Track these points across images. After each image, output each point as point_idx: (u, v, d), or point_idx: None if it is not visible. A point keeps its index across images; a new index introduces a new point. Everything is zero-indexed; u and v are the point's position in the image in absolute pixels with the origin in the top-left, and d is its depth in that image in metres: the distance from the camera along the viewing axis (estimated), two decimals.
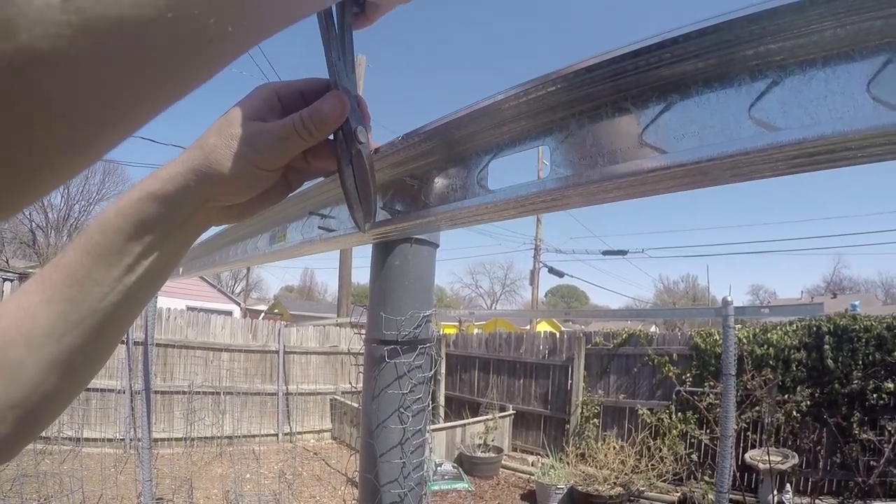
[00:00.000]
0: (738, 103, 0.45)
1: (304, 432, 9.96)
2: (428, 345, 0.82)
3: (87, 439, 7.38)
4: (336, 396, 10.28)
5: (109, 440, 7.66)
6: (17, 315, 0.47)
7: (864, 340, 6.23)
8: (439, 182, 0.67)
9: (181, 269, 2.34)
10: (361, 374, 0.88)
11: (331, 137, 0.57)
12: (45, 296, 0.48)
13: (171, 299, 19.28)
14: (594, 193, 0.57)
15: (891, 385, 5.92)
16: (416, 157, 0.67)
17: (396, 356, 0.79)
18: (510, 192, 0.59)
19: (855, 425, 6.15)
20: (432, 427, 7.84)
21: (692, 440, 7.36)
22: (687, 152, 0.48)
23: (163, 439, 8.06)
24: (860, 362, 6.22)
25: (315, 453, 9.01)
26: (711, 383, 7.31)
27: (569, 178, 0.57)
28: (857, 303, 8.36)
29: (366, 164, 0.56)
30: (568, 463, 7.51)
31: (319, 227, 0.87)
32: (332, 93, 0.53)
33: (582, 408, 8.73)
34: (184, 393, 8.42)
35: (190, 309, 9.31)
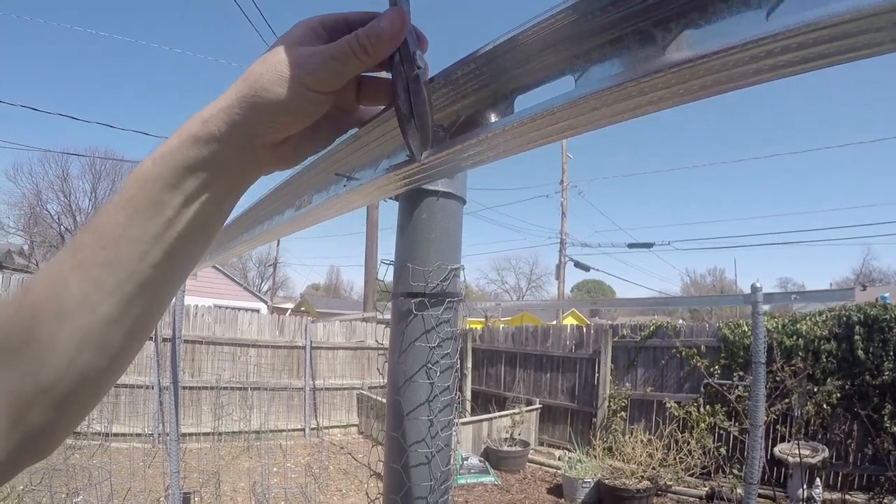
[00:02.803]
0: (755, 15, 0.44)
1: (331, 427, 10.02)
2: (456, 299, 0.80)
3: (115, 434, 7.54)
4: (363, 391, 10.34)
5: (138, 435, 7.80)
6: (45, 285, 0.42)
7: (895, 331, 6.05)
8: (465, 124, 0.66)
9: (208, 257, 2.36)
10: (387, 361, 0.86)
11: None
12: (77, 260, 0.43)
13: (199, 298, 19.54)
14: (625, 98, 0.55)
15: None
16: (445, 104, 0.66)
17: (424, 309, 0.77)
18: (540, 107, 0.57)
19: (886, 418, 5.98)
20: (459, 421, 7.83)
21: (721, 433, 7.25)
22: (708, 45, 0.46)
23: (191, 434, 8.17)
24: (892, 353, 6.05)
25: (341, 447, 9.06)
26: (740, 374, 7.18)
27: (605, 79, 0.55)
28: (887, 294, 8.09)
29: (424, 90, 0.53)
30: (595, 457, 7.43)
31: (344, 185, 0.85)
32: (391, 9, 0.50)
33: (609, 401, 8.65)
34: (211, 388, 8.52)
35: (217, 307, 9.41)
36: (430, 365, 0.77)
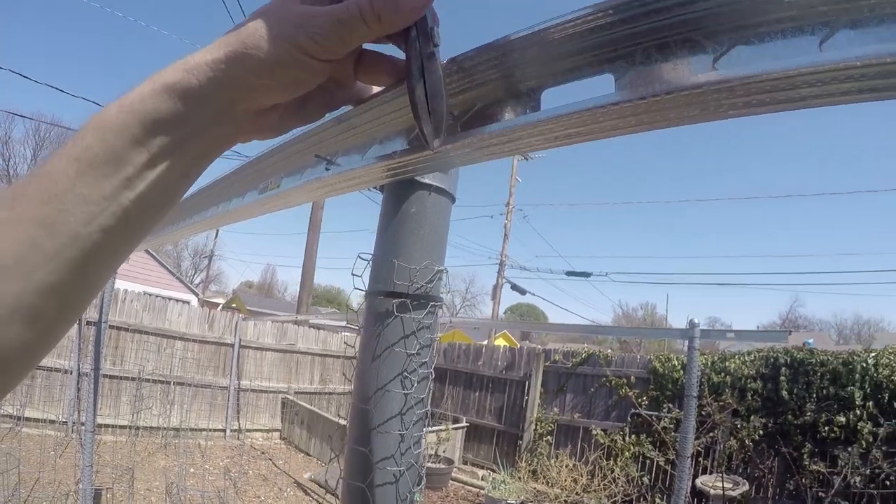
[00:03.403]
0: (809, 43, 0.46)
1: (253, 430, 9.66)
2: (438, 304, 0.74)
3: (28, 419, 6.97)
4: (288, 396, 10.04)
5: (52, 422, 7.24)
6: None
7: (819, 374, 6.38)
8: (481, 114, 0.60)
9: (150, 234, 2.21)
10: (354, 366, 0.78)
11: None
12: (14, 213, 0.36)
13: (128, 283, 18.54)
14: (659, 109, 0.53)
15: (843, 419, 6.04)
16: (458, 91, 0.60)
17: (405, 311, 0.70)
18: (575, 106, 0.53)
19: (806, 456, 6.25)
20: None
21: (645, 462, 7.40)
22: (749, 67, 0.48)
23: (107, 426, 7.66)
24: (814, 395, 6.35)
25: (262, 452, 8.73)
26: (668, 407, 7.38)
27: (635, 90, 0.53)
28: (811, 340, 8.56)
29: (439, 70, 0.47)
30: (519, 478, 7.45)
31: (327, 168, 0.78)
32: None
33: (536, 424, 8.72)
34: (133, 379, 8.03)
35: (147, 294, 8.93)
36: (406, 373, 0.70)
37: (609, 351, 9.14)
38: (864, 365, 6.10)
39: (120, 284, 7.26)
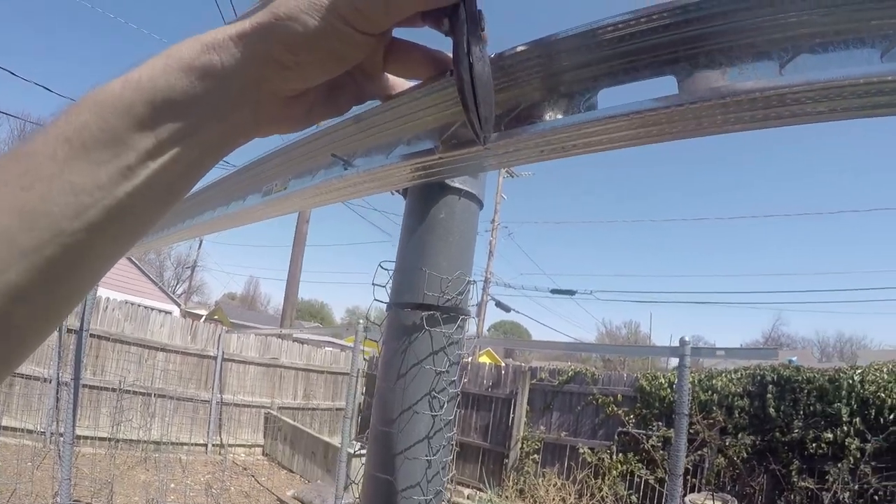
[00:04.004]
0: (870, 54, 0.46)
1: (236, 445, 9.48)
2: (468, 317, 0.69)
3: (5, 428, 6.76)
4: (272, 411, 9.88)
5: (30, 431, 7.00)
6: None
7: (806, 391, 6.40)
8: (528, 113, 0.56)
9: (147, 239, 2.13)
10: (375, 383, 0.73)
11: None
12: None
13: (109, 290, 18.17)
14: (723, 113, 0.51)
15: (830, 435, 6.05)
16: (500, 89, 0.56)
17: (435, 325, 0.65)
18: (637, 105, 0.49)
19: (794, 473, 6.24)
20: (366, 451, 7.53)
21: (634, 480, 7.35)
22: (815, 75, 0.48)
23: (86, 437, 7.43)
24: (801, 412, 6.37)
25: (245, 468, 8.55)
26: (655, 425, 7.36)
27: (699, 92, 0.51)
28: (794, 358, 8.65)
29: (488, 59, 0.43)
30: (506, 498, 7.37)
31: (345, 168, 0.73)
32: None
33: (522, 443, 8.65)
34: (113, 390, 7.81)
35: (128, 303, 8.73)
36: (435, 393, 0.64)
37: (594, 369, 9.12)
38: (851, 381, 6.12)
39: (101, 292, 7.02)
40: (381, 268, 0.72)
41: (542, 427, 8.63)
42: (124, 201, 0.33)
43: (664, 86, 0.57)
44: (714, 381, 7.12)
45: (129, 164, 0.33)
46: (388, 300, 0.70)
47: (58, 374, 7.03)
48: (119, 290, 20.62)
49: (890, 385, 5.94)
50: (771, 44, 0.50)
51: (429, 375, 0.65)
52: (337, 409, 11.38)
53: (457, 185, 0.69)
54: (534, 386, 8.88)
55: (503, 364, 10.48)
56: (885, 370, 6.12)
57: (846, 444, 5.95)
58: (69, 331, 6.85)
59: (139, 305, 8.89)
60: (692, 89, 0.53)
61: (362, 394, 10.03)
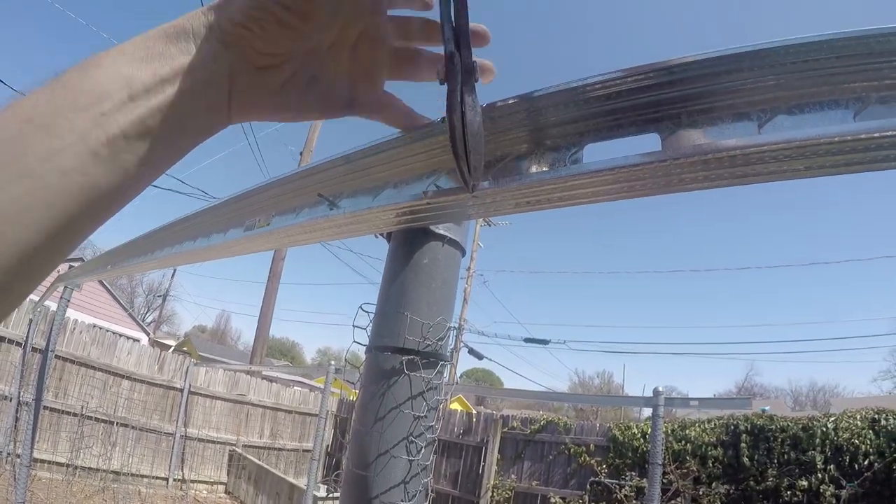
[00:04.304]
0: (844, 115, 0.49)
1: (198, 481, 9.16)
2: (448, 364, 0.69)
3: None
4: (236, 448, 9.59)
5: None
6: None
7: (779, 440, 6.42)
8: (514, 164, 0.57)
9: (114, 265, 2.09)
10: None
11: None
12: None
13: (78, 313, 17.67)
14: (705, 169, 0.54)
15: (805, 483, 6.06)
16: (494, 137, 0.57)
17: (415, 369, 0.65)
18: (621, 161, 0.51)
19: None
20: (333, 496, 7.34)
21: None
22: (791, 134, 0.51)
23: (44, 461, 7.11)
24: (775, 461, 6.37)
25: None
26: (628, 475, 7.31)
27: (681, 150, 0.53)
28: (767, 408, 8.71)
29: (479, 109, 0.44)
30: None
31: (330, 208, 0.73)
32: None
33: (493, 491, 8.51)
34: (75, 415, 7.51)
35: (97, 327, 8.49)
36: (413, 437, 0.63)
37: (566, 419, 9.07)
38: (825, 429, 6.17)
39: (70, 313, 6.78)
40: (362, 310, 0.72)
41: (513, 476, 8.51)
42: (114, 142, 0.33)
43: (648, 142, 0.59)
44: (688, 431, 7.13)
45: (105, 110, 0.33)
46: (367, 343, 0.70)
47: (19, 392, 6.76)
48: (88, 313, 20.10)
49: (864, 432, 6.00)
50: (750, 105, 0.52)
51: (407, 420, 0.64)
52: (304, 451, 11.07)
53: (441, 231, 0.69)
54: (505, 434, 8.80)
55: (475, 411, 10.36)
56: (858, 417, 6.19)
57: (821, 490, 5.96)
58: (34, 349, 6.64)
59: (107, 330, 8.64)
60: (675, 146, 0.54)
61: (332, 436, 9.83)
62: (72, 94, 0.33)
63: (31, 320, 6.72)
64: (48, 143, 0.31)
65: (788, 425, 6.46)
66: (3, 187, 0.30)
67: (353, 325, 0.70)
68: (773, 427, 6.52)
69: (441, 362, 0.67)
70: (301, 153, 14.24)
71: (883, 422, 6.02)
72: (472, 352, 23.03)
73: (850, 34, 0.49)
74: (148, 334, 26.35)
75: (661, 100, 0.53)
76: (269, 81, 0.42)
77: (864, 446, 5.92)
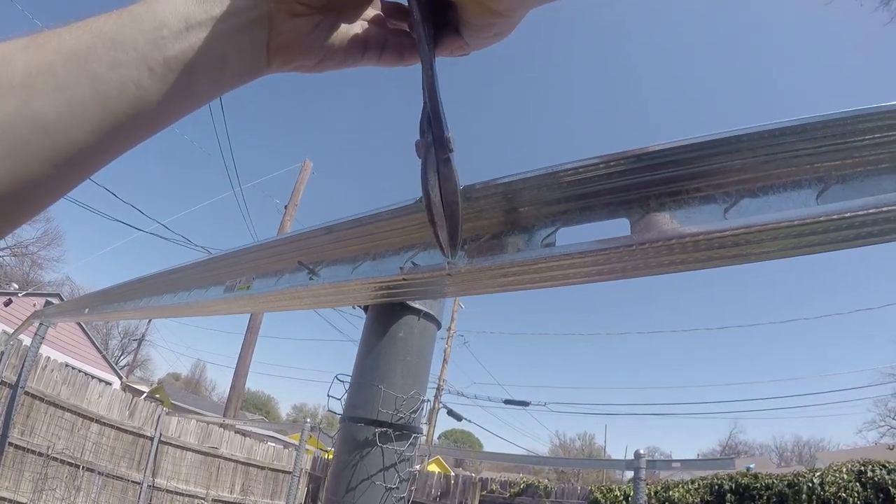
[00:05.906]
0: (807, 196, 0.52)
1: None
2: (420, 436, 0.69)
3: None
4: (205, 502, 9.24)
5: None
6: None
7: (765, 498, 6.35)
8: (489, 244, 0.59)
9: (87, 310, 2.07)
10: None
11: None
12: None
13: (51, 350, 17.17)
14: (672, 253, 0.56)
15: None
16: (471, 217, 0.59)
17: (387, 442, 0.65)
18: (593, 245, 0.53)
19: None
20: None
21: None
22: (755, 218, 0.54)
23: (4, 499, 6.78)
24: None
25: None
26: None
27: (650, 234, 0.55)
28: (752, 465, 8.64)
29: (455, 176, 0.46)
30: None
31: (310, 277, 0.74)
32: None
33: None
34: (40, 454, 7.19)
35: (69, 367, 8.25)
36: None
37: (546, 481, 8.91)
38: (811, 485, 6.13)
39: (43, 350, 6.55)
40: (338, 379, 0.72)
41: None
42: (169, 60, 0.39)
43: (618, 226, 0.61)
44: (671, 493, 7.04)
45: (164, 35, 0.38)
46: (341, 413, 0.70)
47: None
48: (62, 350, 19.59)
49: (850, 484, 5.97)
50: (716, 188, 0.55)
51: (378, 491, 0.63)
52: None
53: (417, 305, 0.70)
54: (484, 497, 8.67)
55: (453, 473, 10.14)
56: (844, 470, 6.16)
57: None
58: (3, 383, 6.43)
59: (80, 371, 8.42)
60: (643, 231, 0.56)
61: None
62: (137, 19, 0.38)
63: (1, 352, 6.53)
64: (114, 55, 0.36)
65: (773, 482, 6.41)
66: (71, 87, 0.35)
67: (329, 395, 0.70)
68: (758, 485, 6.46)
69: (414, 434, 0.67)
70: (286, 206, 14.29)
71: (869, 473, 6.01)
72: (451, 413, 22.75)
73: (814, 119, 0.52)
74: (121, 378, 25.62)
75: (631, 184, 0.55)
76: (302, 26, 0.46)
77: (851, 499, 5.89)
